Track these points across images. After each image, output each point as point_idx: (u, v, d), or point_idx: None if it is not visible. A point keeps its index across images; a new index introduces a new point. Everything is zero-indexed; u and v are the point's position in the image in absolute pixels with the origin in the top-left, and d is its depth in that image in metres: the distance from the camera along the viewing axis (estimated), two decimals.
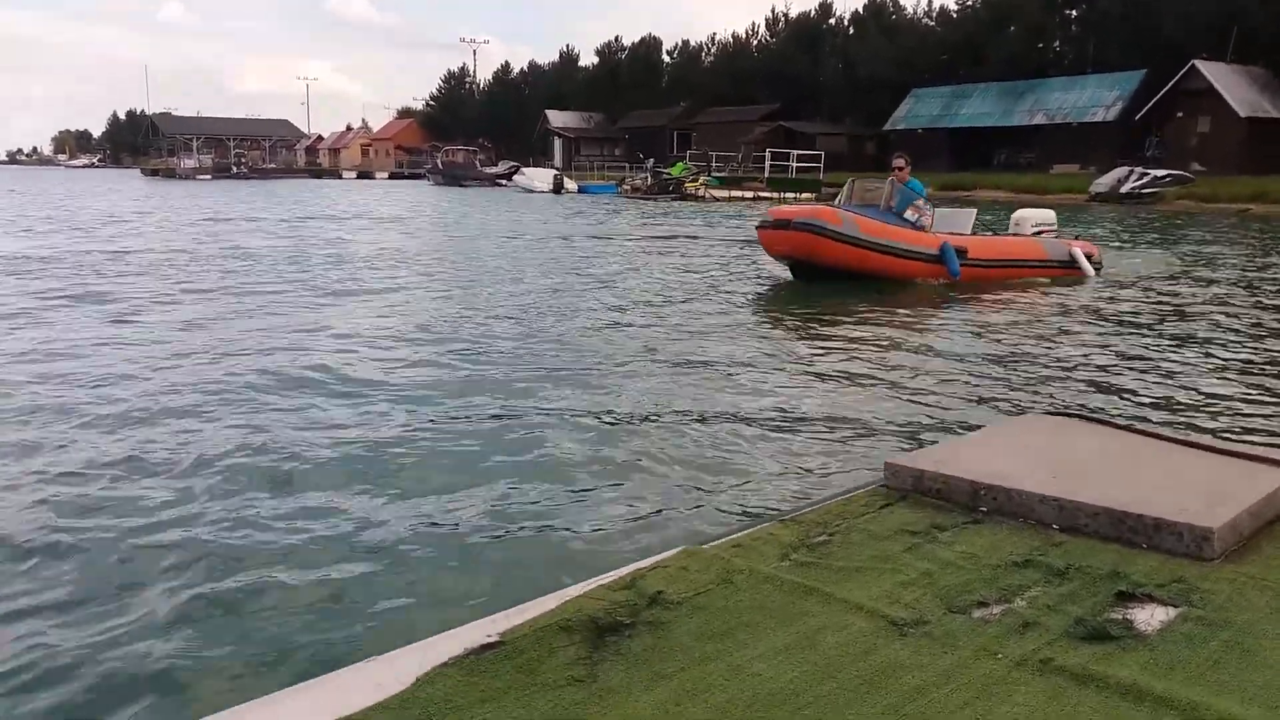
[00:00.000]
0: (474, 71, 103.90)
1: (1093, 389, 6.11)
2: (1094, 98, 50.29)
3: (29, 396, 5.43)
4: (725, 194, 40.96)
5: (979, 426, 4.77)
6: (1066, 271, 12.04)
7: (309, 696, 1.66)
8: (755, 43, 74.37)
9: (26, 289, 10.33)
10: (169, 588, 3.03)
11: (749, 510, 3.64)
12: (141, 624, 2.80)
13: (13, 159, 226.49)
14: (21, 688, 2.47)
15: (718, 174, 46.16)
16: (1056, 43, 58.42)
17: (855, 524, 2.59)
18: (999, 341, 7.76)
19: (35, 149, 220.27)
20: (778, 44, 70.99)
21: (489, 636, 1.87)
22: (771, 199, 39.56)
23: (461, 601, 2.92)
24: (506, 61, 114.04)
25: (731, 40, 76.78)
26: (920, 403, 5.61)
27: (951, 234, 11.41)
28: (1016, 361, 6.98)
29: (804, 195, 40.12)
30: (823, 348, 7.35)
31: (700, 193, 40.59)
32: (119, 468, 4.19)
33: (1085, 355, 7.24)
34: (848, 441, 4.74)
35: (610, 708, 1.67)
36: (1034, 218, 12.68)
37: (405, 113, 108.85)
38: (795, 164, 44.06)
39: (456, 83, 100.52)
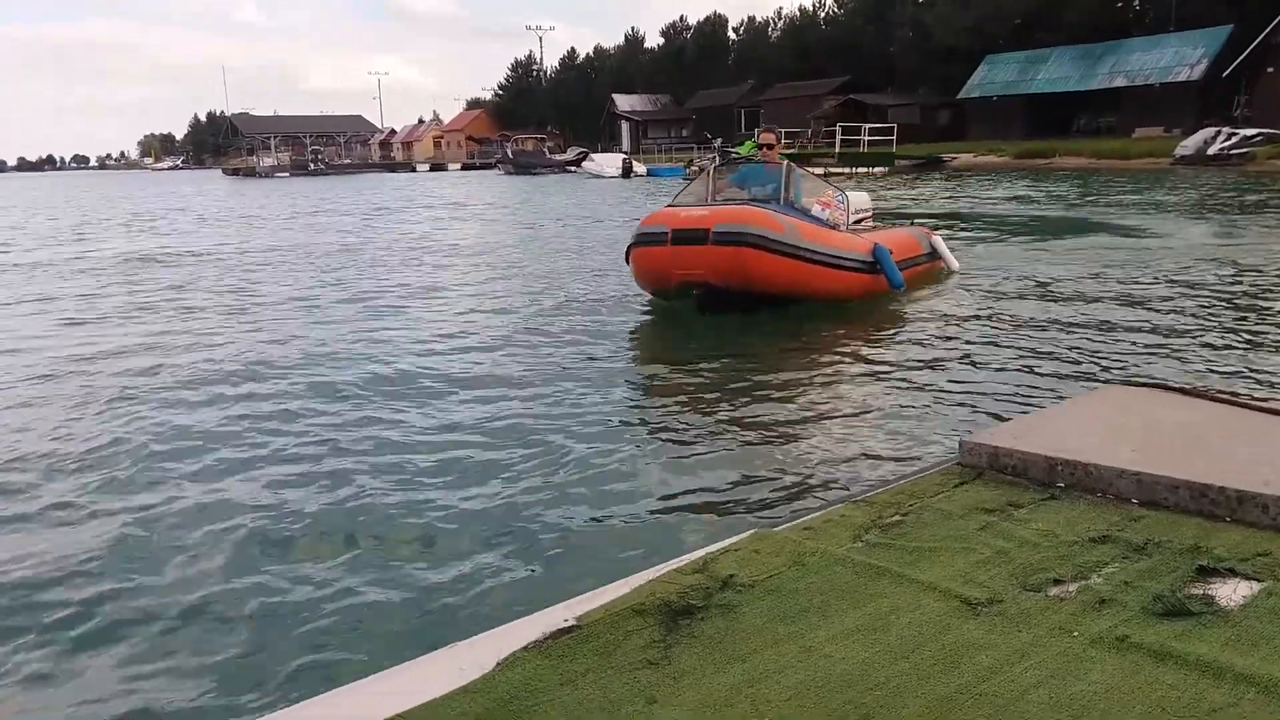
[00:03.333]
0: (540, 59, 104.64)
1: (1169, 357, 5.93)
2: (1177, 57, 48.32)
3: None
4: None
5: (1054, 400, 4.69)
6: (934, 264, 9.84)
7: (393, 681, 1.73)
8: (823, 15, 73.27)
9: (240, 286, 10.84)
10: (275, 570, 3.17)
11: (820, 493, 3.64)
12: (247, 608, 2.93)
13: (102, 164, 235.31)
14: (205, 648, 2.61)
15: (787, 150, 45.67)
16: (1136, 1, 56.27)
17: (928, 503, 2.58)
18: (1069, 313, 7.56)
19: (123, 153, 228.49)
20: (845, 15, 69.81)
21: (565, 621, 1.92)
22: (843, 174, 39.03)
23: (537, 587, 2.99)
24: (572, 47, 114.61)
25: (798, 13, 75.82)
26: (994, 379, 5.51)
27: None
28: (1087, 330, 6.80)
29: (877, 169, 39.56)
30: (891, 328, 7.25)
31: None
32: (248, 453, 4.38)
33: (1167, 324, 7.02)
34: (920, 420, 4.68)
35: (684, 689, 1.71)
36: (855, 203, 9.43)
37: (474, 103, 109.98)
38: (867, 137, 43.35)
39: (524, 71, 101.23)
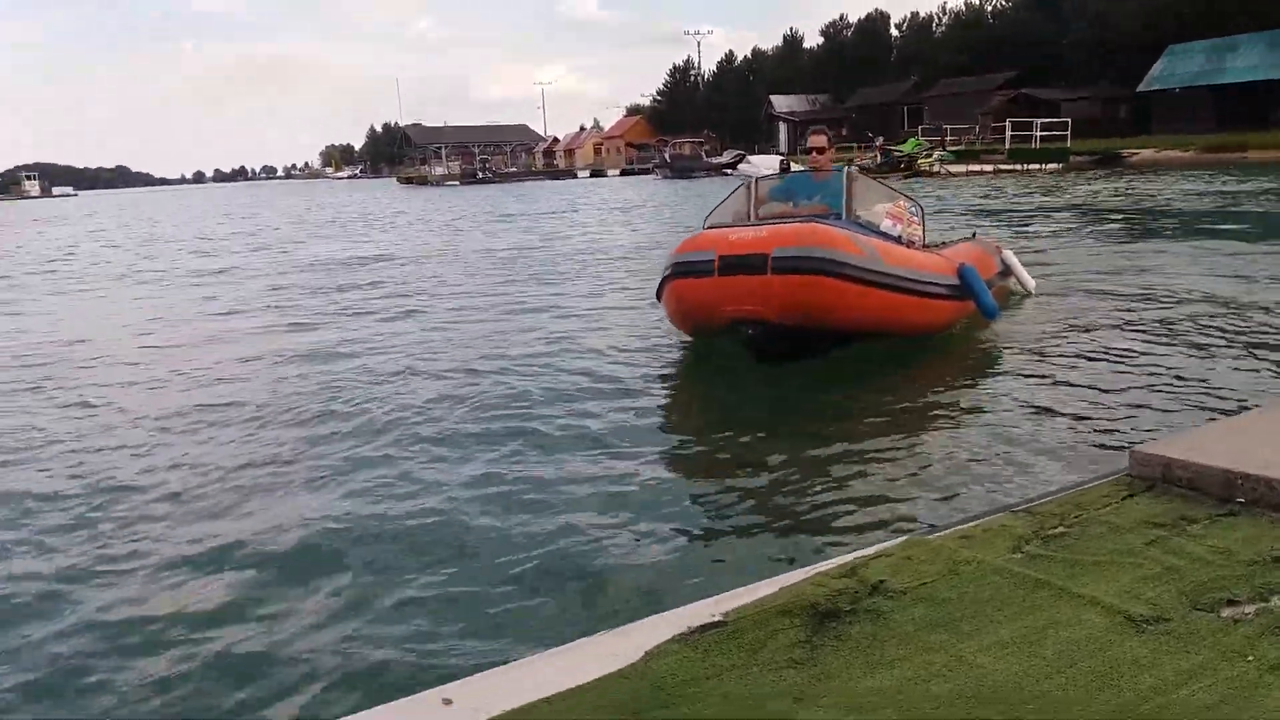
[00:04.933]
0: (698, 63, 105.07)
1: None
2: None
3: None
4: (962, 169, 39.16)
5: (1236, 410, 4.39)
6: (1004, 285, 8.28)
7: (550, 664, 1.81)
8: (990, 8, 70.64)
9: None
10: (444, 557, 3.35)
11: (978, 501, 3.53)
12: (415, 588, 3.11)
13: (288, 174, 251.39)
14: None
15: (953, 148, 44.24)
16: None
17: (1094, 515, 2.48)
18: (1254, 316, 6.98)
19: (307, 164, 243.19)
20: (1015, 8, 67.06)
21: (713, 616, 1.96)
22: (1014, 171, 37.48)
23: (687, 581, 3.03)
24: (730, 50, 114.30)
25: (965, 7, 73.33)
26: (1169, 385, 5.17)
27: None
28: (1272, 334, 6.29)
29: (1050, 166, 37.79)
30: (1056, 328, 6.88)
31: (935, 169, 39.04)
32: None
33: None
34: (1087, 428, 4.45)
35: (829, 691, 1.71)
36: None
37: (634, 110, 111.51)
38: (1039, 133, 41.48)
39: (681, 76, 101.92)
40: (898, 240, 6.38)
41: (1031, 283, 8.33)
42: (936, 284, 6.16)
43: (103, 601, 3.18)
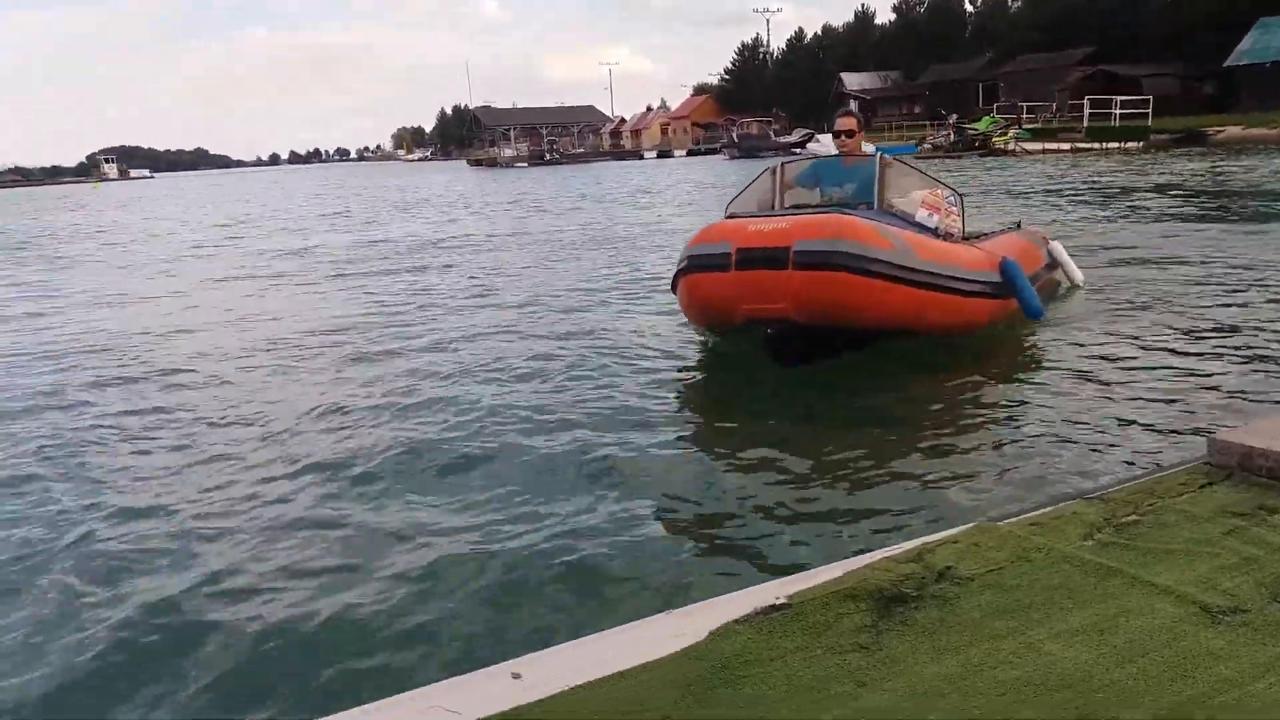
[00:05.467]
0: (767, 41, 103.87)
1: None
2: None
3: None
4: (1038, 147, 38.20)
5: None
6: (1052, 277, 7.77)
7: (616, 642, 1.85)
8: None
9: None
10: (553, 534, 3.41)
11: (1049, 488, 3.46)
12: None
13: (361, 156, 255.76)
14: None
15: (1029, 126, 43.14)
16: None
17: (1170, 503, 2.43)
18: None
19: (379, 146, 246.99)
20: None
21: (778, 598, 1.97)
22: (1092, 150, 36.44)
23: (751, 563, 3.05)
24: (800, 28, 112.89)
25: None
26: (1248, 373, 4.98)
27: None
28: None
29: (1129, 144, 36.66)
30: (1121, 313, 6.65)
31: (1010, 147, 38.14)
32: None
33: None
34: (1164, 415, 4.32)
35: (894, 675, 1.72)
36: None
37: (701, 89, 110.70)
38: (1118, 110, 40.20)
39: (750, 54, 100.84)
40: (934, 232, 5.97)
41: (1080, 276, 7.76)
42: (975, 280, 5.69)
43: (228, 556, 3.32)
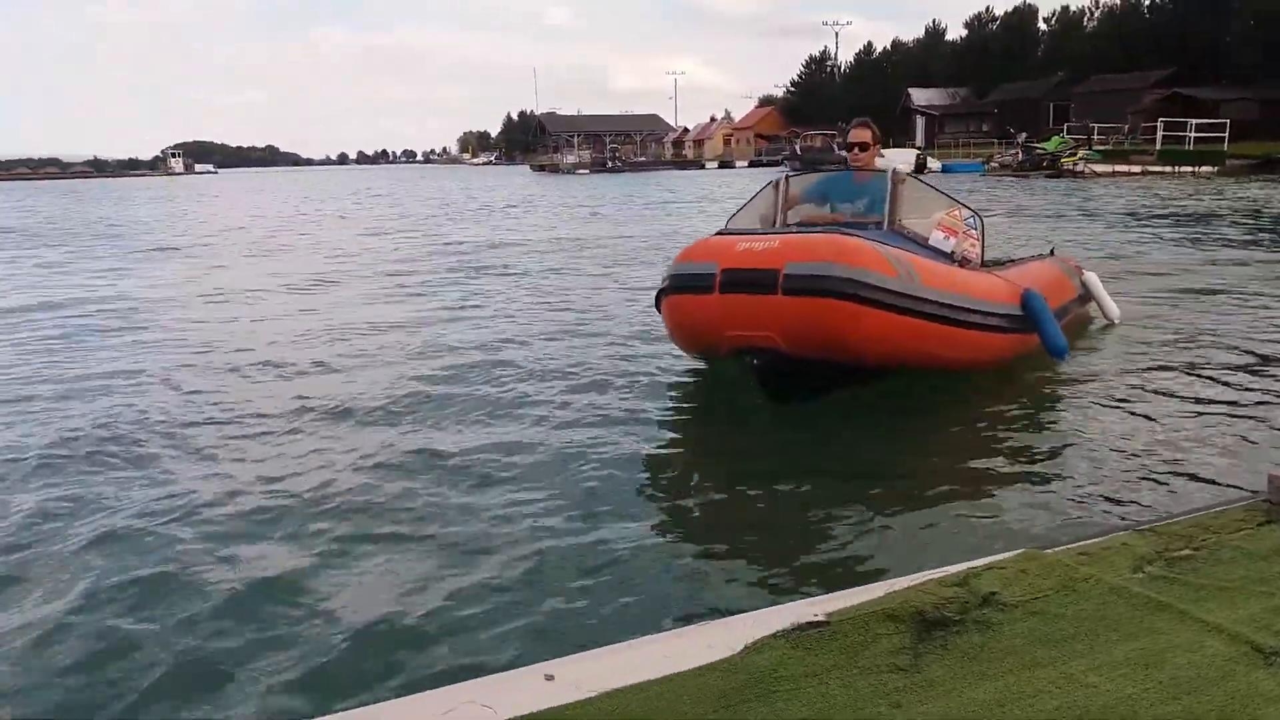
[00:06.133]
0: (835, 54, 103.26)
1: None
2: None
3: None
4: (1108, 169, 37.39)
5: None
6: (1084, 311, 7.27)
7: (650, 650, 1.85)
8: (1147, 3, 67.08)
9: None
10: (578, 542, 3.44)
11: (1100, 518, 3.39)
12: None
13: (427, 159, 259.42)
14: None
15: (1099, 147, 42.28)
16: None
17: (1226, 540, 2.37)
18: None
19: (445, 149, 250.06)
20: (1173, 3, 63.50)
21: (815, 615, 1.96)
22: (1163, 173, 35.62)
23: (791, 580, 3.03)
24: (869, 42, 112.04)
25: (1119, 2, 69.84)
26: None
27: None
28: None
29: (1203, 169, 35.75)
30: (1194, 344, 6.44)
31: (1079, 168, 37.41)
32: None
33: None
34: (1218, 451, 4.17)
35: (931, 699, 1.70)
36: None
37: (766, 101, 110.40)
38: (1193, 133, 39.23)
39: (817, 67, 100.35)
40: (949, 257, 5.45)
41: (1116, 310, 7.16)
42: (991, 313, 5.15)
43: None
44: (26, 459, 4.57)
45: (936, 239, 5.53)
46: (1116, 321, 7.13)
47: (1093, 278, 7.28)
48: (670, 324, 5.20)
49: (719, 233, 5.36)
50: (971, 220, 5.77)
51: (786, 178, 6.05)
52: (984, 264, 5.94)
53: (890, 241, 5.05)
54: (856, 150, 5.90)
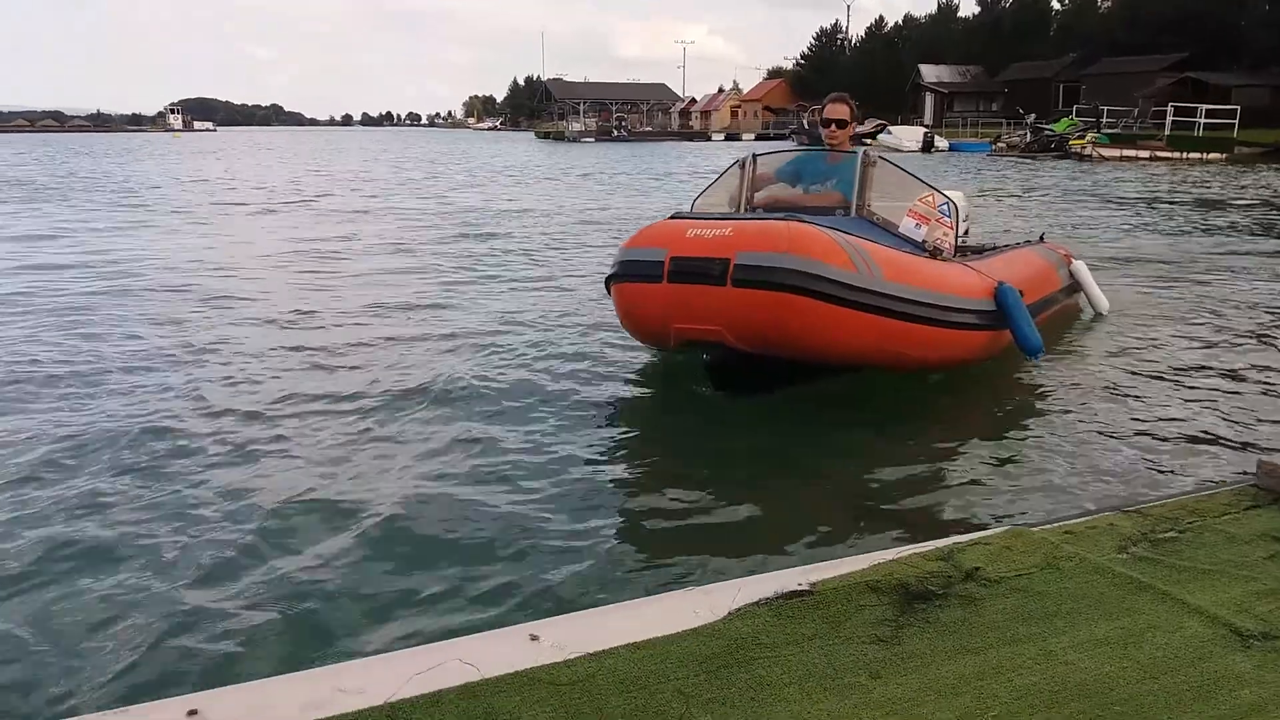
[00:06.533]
0: (846, 28, 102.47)
1: None
2: None
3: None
4: (1116, 153, 37.20)
5: None
6: (1071, 301, 7.00)
7: (633, 614, 1.87)
8: None
9: None
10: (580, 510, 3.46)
11: (1086, 498, 3.41)
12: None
13: (431, 122, 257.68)
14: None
15: (1108, 130, 42.04)
16: None
17: (1211, 523, 2.39)
18: None
19: (450, 113, 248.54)
20: None
21: (799, 584, 1.98)
22: (1171, 159, 35.45)
23: (774, 548, 3.05)
24: (881, 16, 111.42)
25: None
26: None
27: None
28: None
29: (1211, 155, 35.57)
30: (1190, 331, 6.44)
31: (1087, 151, 37.20)
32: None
33: None
34: (1207, 436, 4.20)
35: (911, 671, 1.71)
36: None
37: (775, 73, 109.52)
38: (1203, 119, 38.97)
39: (828, 40, 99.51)
40: (919, 246, 5.14)
41: (1105, 302, 6.93)
42: (959, 309, 4.79)
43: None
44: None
45: (907, 226, 5.24)
46: (1105, 313, 6.93)
47: (1081, 267, 7.03)
48: (619, 312, 4.90)
49: (673, 215, 4.92)
50: (945, 207, 5.40)
51: (754, 157, 5.71)
52: (965, 251, 5.64)
53: (854, 229, 4.75)
54: (834, 127, 5.49)
